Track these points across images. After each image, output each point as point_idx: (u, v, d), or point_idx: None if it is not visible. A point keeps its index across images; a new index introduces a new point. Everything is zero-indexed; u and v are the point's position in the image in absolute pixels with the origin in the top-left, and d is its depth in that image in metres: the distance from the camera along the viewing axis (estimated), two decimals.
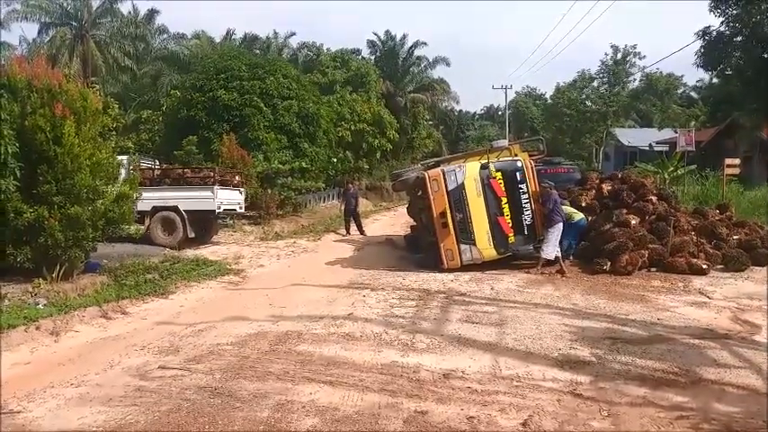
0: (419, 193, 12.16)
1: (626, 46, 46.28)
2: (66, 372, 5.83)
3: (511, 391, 5.12)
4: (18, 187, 8.61)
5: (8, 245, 8.88)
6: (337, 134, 30.93)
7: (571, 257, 11.68)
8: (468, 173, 11.21)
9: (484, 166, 11.29)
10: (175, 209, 14.80)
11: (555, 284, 10.02)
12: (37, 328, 7.07)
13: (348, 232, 18.58)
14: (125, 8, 35.14)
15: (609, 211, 12.17)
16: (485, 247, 11.13)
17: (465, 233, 11.08)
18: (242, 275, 11.57)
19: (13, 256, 8.88)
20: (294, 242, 16.64)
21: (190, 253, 13.34)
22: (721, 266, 11.16)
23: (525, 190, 11.27)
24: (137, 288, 9.36)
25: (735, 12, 25.20)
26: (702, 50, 26.48)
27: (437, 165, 13.06)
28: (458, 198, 11.09)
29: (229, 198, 16.14)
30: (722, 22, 25.84)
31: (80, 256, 9.61)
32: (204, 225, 15.72)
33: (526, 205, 11.28)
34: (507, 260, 11.53)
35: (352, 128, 33.78)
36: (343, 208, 19.30)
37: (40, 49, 29.19)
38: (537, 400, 4.89)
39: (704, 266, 10.73)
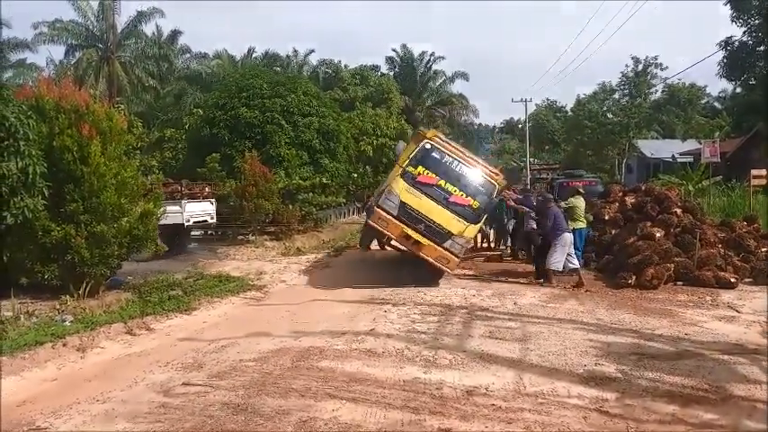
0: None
1: (647, 57, 45.78)
2: (92, 388, 5.90)
3: (536, 408, 5.06)
4: (46, 206, 8.82)
5: (36, 262, 9.10)
6: (359, 149, 31.09)
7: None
8: (398, 189, 10.98)
9: (404, 174, 11.14)
10: None
11: (579, 299, 9.89)
12: (64, 345, 7.20)
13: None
14: (149, 29, 35.96)
15: (633, 223, 12.04)
16: (461, 229, 10.85)
17: (437, 233, 10.81)
18: (264, 291, 11.61)
19: (41, 273, 9.10)
20: (315, 257, 16.71)
21: (213, 269, 13.47)
22: (750, 280, 10.94)
23: (450, 160, 11.17)
24: (161, 304, 9.46)
25: (757, 21, 24.97)
26: (725, 60, 26.25)
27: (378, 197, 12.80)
28: (406, 214, 10.85)
29: (200, 210, 16.52)
30: (744, 32, 25.62)
31: (105, 273, 9.79)
32: (175, 238, 15.84)
33: (463, 169, 11.17)
34: (525, 276, 11.42)
35: (375, 143, 33.96)
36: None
37: (67, 71, 29.92)
38: (562, 418, 4.82)
39: (732, 280, 10.52)
